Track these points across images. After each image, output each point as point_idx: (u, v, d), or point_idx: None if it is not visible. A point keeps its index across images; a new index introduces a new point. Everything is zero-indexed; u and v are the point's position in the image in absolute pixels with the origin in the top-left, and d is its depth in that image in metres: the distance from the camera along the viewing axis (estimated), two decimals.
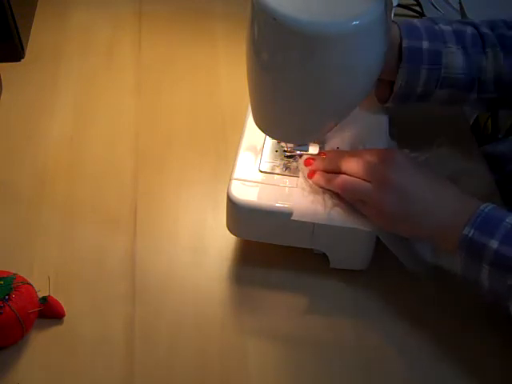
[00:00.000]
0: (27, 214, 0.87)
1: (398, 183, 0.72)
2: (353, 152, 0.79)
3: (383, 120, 0.86)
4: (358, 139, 0.82)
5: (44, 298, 0.75)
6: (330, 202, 0.76)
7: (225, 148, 0.95)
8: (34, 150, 0.95)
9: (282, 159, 0.81)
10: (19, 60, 1.07)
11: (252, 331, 0.77)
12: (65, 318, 0.76)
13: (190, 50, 1.10)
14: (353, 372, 0.74)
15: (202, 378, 0.73)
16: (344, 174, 0.76)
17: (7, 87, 1.02)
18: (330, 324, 0.77)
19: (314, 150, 0.79)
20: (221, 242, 0.84)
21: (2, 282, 0.73)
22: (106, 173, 0.92)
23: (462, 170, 0.89)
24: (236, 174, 0.79)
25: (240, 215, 0.78)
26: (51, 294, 0.76)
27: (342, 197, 0.76)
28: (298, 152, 0.80)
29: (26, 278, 0.75)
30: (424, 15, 1.18)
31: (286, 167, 0.80)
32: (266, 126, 0.77)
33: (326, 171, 0.77)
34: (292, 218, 0.75)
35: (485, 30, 0.83)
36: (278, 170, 0.80)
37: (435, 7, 1.22)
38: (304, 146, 0.79)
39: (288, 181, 0.79)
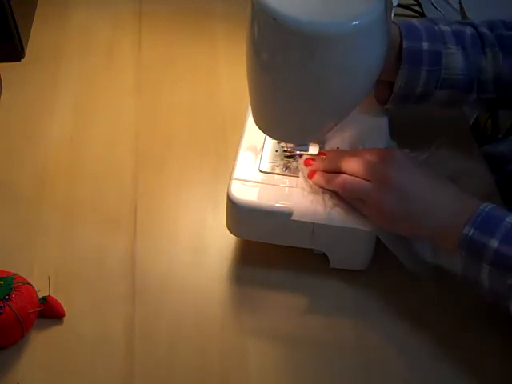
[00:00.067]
0: (27, 214, 0.87)
1: (397, 182, 0.72)
2: (353, 152, 0.79)
3: (383, 120, 0.86)
4: (357, 139, 0.82)
5: (44, 298, 0.75)
6: (330, 202, 0.76)
7: (225, 148, 0.95)
8: (34, 149, 0.95)
9: (282, 159, 0.81)
10: (19, 60, 1.07)
11: (252, 331, 0.77)
12: (65, 318, 0.76)
13: (189, 49, 1.10)
14: (353, 372, 0.74)
15: (202, 378, 0.73)
16: (344, 173, 0.76)
17: (7, 87, 1.02)
18: (329, 324, 0.77)
19: (314, 149, 0.79)
20: (221, 242, 0.84)
21: (1, 282, 0.73)
22: (106, 173, 0.92)
23: (461, 170, 0.89)
24: (236, 174, 0.79)
25: (240, 215, 0.78)
26: (51, 294, 0.76)
27: (342, 197, 0.76)
28: (298, 152, 0.80)
29: (26, 277, 0.75)
30: (424, 15, 1.18)
31: (286, 167, 0.80)
32: (266, 126, 0.77)
33: (326, 171, 0.77)
34: (292, 218, 0.75)
35: (484, 30, 0.83)
36: (278, 170, 0.80)
37: (435, 7, 1.22)
38: (304, 145, 0.79)
39: (288, 181, 0.79)
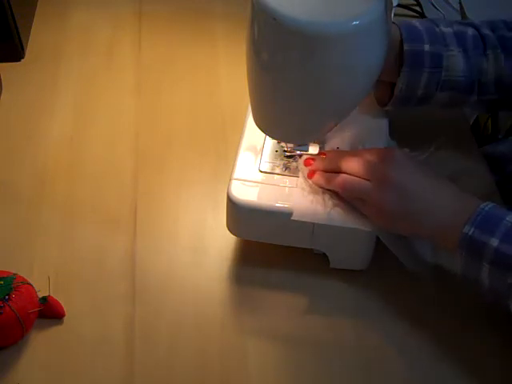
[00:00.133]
0: (27, 214, 0.87)
1: (397, 181, 0.72)
2: (353, 152, 0.79)
3: (383, 120, 0.86)
4: (357, 139, 0.82)
5: (44, 298, 0.75)
6: (329, 202, 0.76)
7: (225, 148, 0.95)
8: (34, 149, 0.95)
9: (281, 159, 0.81)
10: (19, 60, 1.07)
11: (252, 331, 0.77)
12: (65, 318, 0.76)
13: (190, 50, 1.10)
14: (353, 372, 0.74)
15: (202, 377, 0.73)
16: (344, 173, 0.76)
17: (7, 87, 1.02)
18: (330, 324, 0.77)
19: (314, 150, 0.79)
20: (221, 242, 0.84)
21: (1, 282, 0.73)
22: (106, 173, 0.92)
23: (462, 170, 0.89)
24: (236, 174, 0.79)
25: (240, 215, 0.78)
26: (51, 294, 0.76)
27: (342, 197, 0.76)
28: (298, 152, 0.80)
29: (26, 277, 0.75)
30: (424, 15, 1.18)
31: (286, 167, 0.80)
32: (266, 126, 0.77)
33: (326, 171, 0.77)
34: (292, 218, 0.75)
35: (486, 31, 0.83)
36: (277, 170, 0.80)
37: (435, 7, 1.22)
38: (304, 145, 0.79)
39: (288, 181, 0.79)
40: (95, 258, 0.83)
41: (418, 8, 1.19)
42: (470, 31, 0.83)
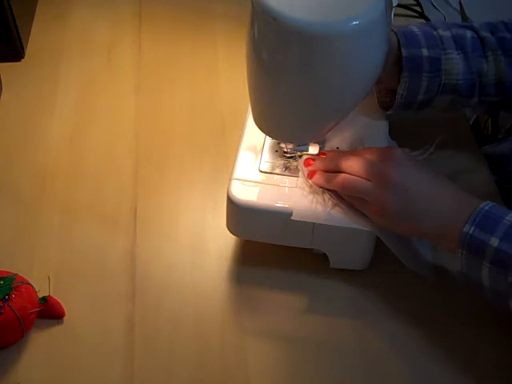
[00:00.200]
0: (27, 214, 0.87)
1: (398, 181, 0.72)
2: (352, 151, 0.79)
3: (383, 120, 0.86)
4: (357, 139, 0.82)
5: (44, 298, 0.75)
6: (330, 201, 0.77)
7: (225, 148, 0.95)
8: (34, 150, 0.95)
9: (281, 159, 0.81)
10: (19, 60, 1.07)
11: (252, 331, 0.77)
12: (65, 318, 0.76)
13: (190, 50, 1.10)
14: (353, 372, 0.74)
15: (202, 378, 0.73)
16: (344, 173, 0.76)
17: (7, 87, 1.02)
18: (329, 324, 0.77)
19: (314, 150, 0.79)
20: (221, 242, 0.84)
21: (1, 282, 0.73)
22: (106, 173, 0.92)
23: (461, 170, 0.89)
24: (236, 174, 0.79)
25: (240, 215, 0.78)
26: (51, 294, 0.76)
27: (342, 197, 0.76)
28: (298, 152, 0.80)
29: (26, 277, 0.75)
30: (424, 15, 1.18)
31: (286, 167, 0.80)
32: (266, 126, 0.77)
33: (326, 171, 0.77)
34: (292, 218, 0.75)
35: (485, 33, 0.83)
36: (277, 170, 0.80)
37: (435, 7, 1.22)
38: (304, 145, 0.79)
39: (288, 181, 0.79)
40: (95, 257, 0.83)
41: (418, 8, 1.19)
42: (469, 34, 0.83)
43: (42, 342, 0.75)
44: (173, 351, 0.75)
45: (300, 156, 0.80)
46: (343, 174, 0.75)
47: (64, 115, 0.99)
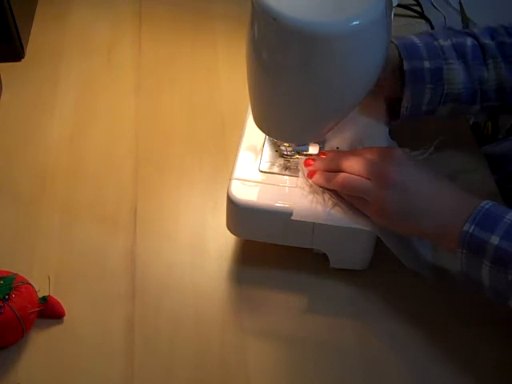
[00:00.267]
0: (27, 214, 0.87)
1: (398, 180, 0.72)
2: (353, 151, 0.79)
3: (383, 120, 0.86)
4: (357, 139, 0.82)
5: (44, 298, 0.75)
6: (330, 201, 0.76)
7: (225, 148, 0.95)
8: (34, 150, 0.95)
9: (282, 159, 0.81)
10: (19, 60, 1.07)
11: (252, 331, 0.77)
12: (65, 318, 0.76)
13: (190, 50, 1.10)
14: (353, 372, 0.74)
15: (202, 378, 0.73)
16: (344, 172, 0.76)
17: (7, 87, 1.02)
18: (329, 324, 0.77)
19: (314, 150, 0.79)
20: (221, 242, 0.84)
21: (1, 282, 0.73)
22: (106, 173, 0.92)
23: (462, 170, 0.89)
24: (236, 174, 0.79)
25: (240, 215, 0.78)
26: (51, 294, 0.76)
27: (342, 196, 0.76)
28: (298, 152, 0.80)
29: (26, 277, 0.75)
30: (424, 15, 1.18)
31: (286, 167, 0.80)
32: (266, 126, 0.77)
33: (326, 171, 0.77)
34: (292, 218, 0.75)
35: (485, 40, 0.83)
36: (277, 170, 0.80)
37: (435, 7, 1.22)
38: (304, 145, 0.79)
39: (288, 181, 0.79)
40: (95, 257, 0.83)
41: (418, 8, 1.19)
42: (469, 41, 0.83)
43: (42, 342, 0.75)
44: (173, 351, 0.75)
45: (300, 156, 0.80)
46: (343, 174, 0.75)
47: (64, 115, 0.99)
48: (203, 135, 0.97)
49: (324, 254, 0.80)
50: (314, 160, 0.79)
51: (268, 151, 0.82)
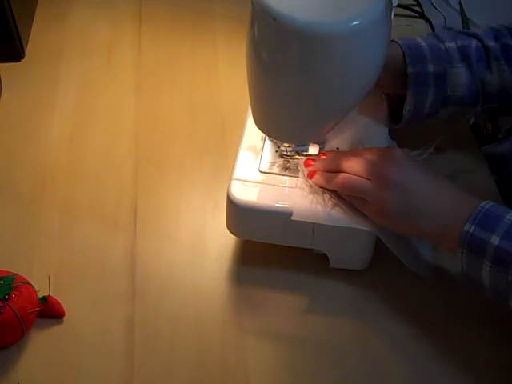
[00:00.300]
0: (27, 214, 0.87)
1: (398, 181, 0.72)
2: (353, 151, 0.79)
3: (383, 120, 0.86)
4: (357, 139, 0.82)
5: (44, 298, 0.75)
6: (330, 201, 0.76)
7: (225, 148, 0.95)
8: (34, 150, 0.95)
9: (281, 159, 0.81)
10: (19, 60, 1.07)
11: (252, 331, 0.77)
12: (65, 318, 0.76)
13: (190, 50, 1.10)
14: (353, 372, 0.74)
15: (202, 378, 0.73)
16: (344, 173, 0.76)
17: (7, 87, 1.02)
18: (329, 324, 0.77)
19: (314, 150, 0.79)
20: (221, 242, 0.84)
21: (1, 282, 0.73)
22: (106, 173, 0.92)
23: (462, 170, 0.89)
24: (236, 174, 0.79)
25: (240, 215, 0.78)
26: (51, 294, 0.76)
27: (342, 197, 0.76)
28: (298, 152, 0.80)
29: (26, 277, 0.75)
30: (424, 15, 1.18)
31: (286, 167, 0.80)
32: (266, 126, 0.77)
33: (326, 171, 0.77)
34: (292, 218, 0.75)
35: (489, 42, 0.83)
36: (277, 170, 0.80)
37: (435, 7, 1.22)
38: (304, 146, 0.79)
39: (288, 181, 0.79)
40: (95, 257, 0.83)
41: (418, 8, 1.19)
42: (474, 43, 0.83)
43: (42, 342, 0.75)
44: (173, 351, 0.75)
45: (300, 156, 0.80)
46: (343, 174, 0.75)
47: (64, 115, 0.99)
48: (203, 135, 0.97)
49: (324, 254, 0.80)
50: (313, 160, 0.79)
51: (268, 151, 0.82)
